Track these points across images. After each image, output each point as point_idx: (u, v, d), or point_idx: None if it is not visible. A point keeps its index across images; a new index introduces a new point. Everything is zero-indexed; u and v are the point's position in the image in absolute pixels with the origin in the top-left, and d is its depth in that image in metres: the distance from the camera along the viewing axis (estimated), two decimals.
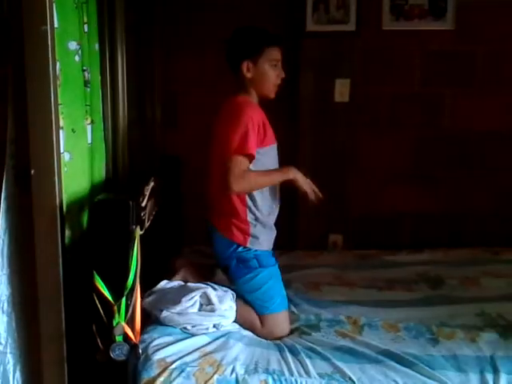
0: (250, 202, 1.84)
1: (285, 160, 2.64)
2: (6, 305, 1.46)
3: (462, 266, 2.29)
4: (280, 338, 1.73)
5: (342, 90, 2.57)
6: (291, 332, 1.77)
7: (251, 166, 1.79)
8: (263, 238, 1.87)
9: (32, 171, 1.44)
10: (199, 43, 2.57)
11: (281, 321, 1.78)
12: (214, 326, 1.68)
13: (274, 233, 1.96)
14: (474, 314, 1.84)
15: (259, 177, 1.81)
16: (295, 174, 1.84)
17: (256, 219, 1.85)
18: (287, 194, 2.67)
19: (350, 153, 2.65)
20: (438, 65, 2.63)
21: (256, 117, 1.78)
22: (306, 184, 1.85)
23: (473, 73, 2.64)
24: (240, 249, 1.84)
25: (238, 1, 2.57)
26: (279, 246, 2.48)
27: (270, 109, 2.55)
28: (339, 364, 1.55)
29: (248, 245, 1.84)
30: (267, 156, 1.85)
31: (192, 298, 1.70)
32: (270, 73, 1.85)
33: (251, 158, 1.77)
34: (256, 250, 1.84)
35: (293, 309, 1.89)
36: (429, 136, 2.69)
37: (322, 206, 2.65)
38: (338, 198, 2.67)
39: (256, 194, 1.84)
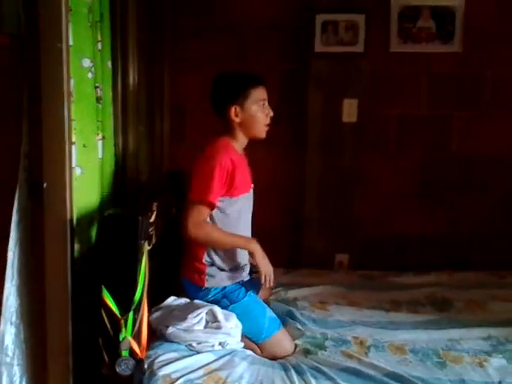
0: (208, 247, 1.82)
1: (292, 180, 2.68)
2: (14, 317, 1.46)
3: (469, 288, 2.27)
4: (285, 357, 1.72)
5: (349, 111, 2.60)
6: (296, 349, 1.76)
7: (214, 214, 1.78)
8: (222, 276, 1.83)
9: (44, 184, 1.46)
10: (208, 61, 2.61)
11: (278, 342, 1.76)
12: (220, 344, 1.67)
13: (242, 269, 1.90)
14: (481, 338, 1.82)
15: (220, 236, 1.77)
16: (256, 249, 1.79)
17: (212, 263, 1.83)
18: (292, 211, 2.70)
19: (357, 173, 2.66)
20: (445, 87, 2.66)
21: (226, 163, 1.76)
22: (264, 264, 1.79)
23: (480, 96, 2.66)
24: (205, 293, 1.81)
25: (246, 21, 2.61)
26: (284, 264, 2.50)
27: (277, 129, 2.58)
28: None
29: (206, 285, 1.81)
30: (233, 206, 1.82)
31: (198, 314, 1.69)
32: (259, 114, 1.84)
33: (212, 206, 1.76)
34: (223, 287, 1.82)
35: (298, 326, 1.88)
36: (436, 158, 2.71)
37: (329, 225, 2.68)
38: (344, 217, 2.68)
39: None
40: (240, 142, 1.89)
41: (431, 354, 1.71)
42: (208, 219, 1.80)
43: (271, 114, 1.87)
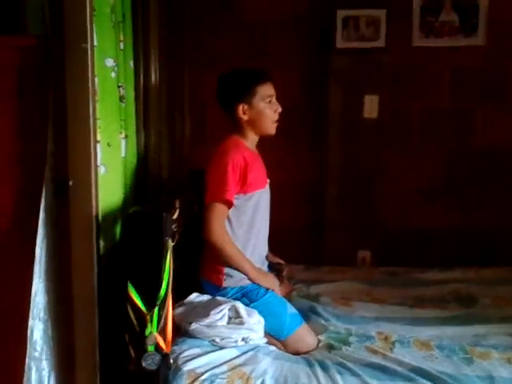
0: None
1: (313, 176, 2.67)
2: (42, 313, 1.49)
3: (495, 285, 2.23)
4: (308, 352, 1.72)
5: (371, 106, 2.58)
6: (319, 344, 1.76)
7: (230, 212, 1.78)
8: (240, 276, 1.81)
9: (70, 182, 1.48)
10: (228, 58, 2.62)
11: (301, 337, 1.76)
12: (243, 340, 1.68)
13: (260, 267, 1.90)
14: (508, 334, 1.79)
15: (235, 254, 1.77)
16: (268, 285, 1.82)
17: None
18: (313, 208, 2.69)
19: (379, 168, 2.65)
20: (468, 81, 2.62)
21: (238, 161, 1.76)
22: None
23: (504, 89, 2.62)
24: (224, 293, 1.80)
25: (267, 16, 2.61)
26: (305, 261, 2.49)
27: (298, 124, 2.56)
28: (370, 381, 1.52)
29: (224, 284, 1.81)
30: (248, 203, 1.82)
31: (221, 311, 1.70)
32: (267, 110, 1.83)
33: (229, 204, 1.76)
34: (241, 287, 1.81)
35: (321, 321, 1.87)
36: (459, 152, 2.67)
37: (351, 222, 2.66)
38: (366, 213, 2.67)
39: (234, 239, 1.80)
40: (250, 140, 1.89)
41: (458, 349, 1.68)
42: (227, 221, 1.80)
43: (279, 109, 1.86)
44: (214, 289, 1.83)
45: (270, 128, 1.87)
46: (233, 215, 1.81)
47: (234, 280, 1.82)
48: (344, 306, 2.04)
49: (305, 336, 1.77)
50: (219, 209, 1.75)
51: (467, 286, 2.21)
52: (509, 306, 2.05)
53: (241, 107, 1.82)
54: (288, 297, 2.03)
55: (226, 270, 1.82)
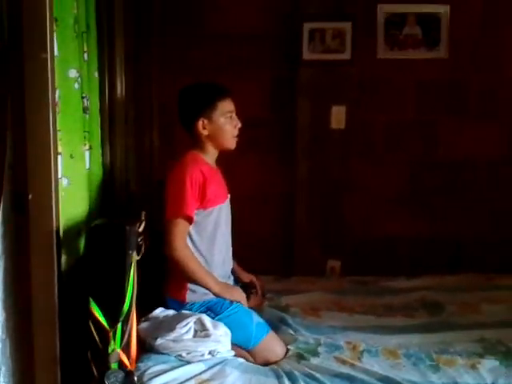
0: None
1: (282, 187, 2.68)
2: (0, 331, 1.44)
3: (460, 291, 2.27)
4: (278, 362, 1.71)
5: (338, 117, 2.61)
6: (288, 353, 1.74)
7: (191, 228, 1.78)
8: (203, 290, 1.79)
9: (30, 196, 1.44)
10: (197, 70, 2.61)
11: (269, 346, 1.75)
12: (210, 353, 1.65)
13: (225, 280, 1.89)
14: (473, 341, 1.81)
15: (198, 269, 1.76)
16: (233, 299, 1.81)
17: None
18: (283, 218, 2.70)
19: (346, 179, 2.67)
20: (432, 93, 2.68)
21: (197, 176, 1.76)
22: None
23: (467, 101, 2.69)
24: (187, 308, 1.78)
25: (234, 29, 2.62)
26: (275, 272, 2.49)
27: (266, 136, 2.57)
28: None
29: (187, 300, 1.79)
30: (208, 218, 1.81)
31: (187, 324, 1.67)
32: (227, 126, 1.83)
33: (190, 220, 1.76)
34: (205, 301, 1.79)
35: (290, 331, 1.87)
36: (424, 162, 2.72)
37: (320, 232, 2.68)
38: (334, 223, 2.69)
39: (196, 254, 1.79)
40: (210, 154, 1.88)
41: (424, 357, 1.70)
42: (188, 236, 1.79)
43: (239, 125, 1.86)
44: (178, 305, 1.81)
45: (230, 143, 1.87)
46: (194, 231, 1.80)
47: (197, 295, 1.80)
48: (313, 316, 2.04)
49: (273, 344, 1.76)
50: (180, 224, 1.74)
51: (434, 294, 2.24)
52: (474, 312, 2.08)
53: (201, 122, 1.82)
54: (260, 308, 2.02)
55: (189, 285, 1.80)
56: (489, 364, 1.65)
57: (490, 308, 2.10)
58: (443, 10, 2.61)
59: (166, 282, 1.87)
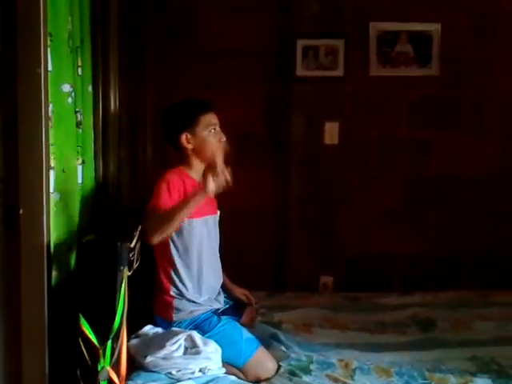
0: (174, 277, 1.79)
1: (276, 202, 2.68)
2: None
3: (453, 308, 2.27)
4: (269, 379, 1.69)
5: (331, 133, 2.63)
6: (279, 370, 1.73)
7: (175, 238, 1.77)
8: (190, 308, 1.79)
9: (21, 210, 1.43)
10: (191, 84, 2.63)
11: (259, 362, 1.73)
12: (200, 371, 1.63)
13: (212, 297, 1.86)
14: (465, 359, 1.81)
15: (168, 210, 1.68)
16: (208, 191, 1.65)
17: (180, 294, 1.79)
18: (276, 234, 2.69)
19: (339, 194, 2.68)
20: (423, 109, 2.71)
21: (176, 183, 1.76)
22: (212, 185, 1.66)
23: (458, 117, 2.72)
24: (176, 326, 1.76)
25: (229, 46, 2.65)
26: (268, 287, 2.48)
27: (260, 151, 2.57)
28: None
29: (174, 319, 1.78)
30: (194, 231, 1.79)
31: (177, 341, 1.66)
32: (210, 138, 1.83)
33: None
34: (192, 319, 1.78)
35: (282, 348, 1.86)
36: (416, 178, 2.74)
37: (313, 247, 2.67)
38: (328, 239, 2.68)
39: (181, 270, 1.79)
40: (196, 169, 1.87)
41: (416, 375, 1.69)
42: (171, 245, 1.78)
43: (223, 138, 1.86)
44: (166, 324, 1.79)
45: (216, 156, 1.82)
46: (180, 244, 1.79)
47: (183, 313, 1.78)
48: (305, 332, 2.03)
49: (263, 360, 1.75)
50: (154, 214, 1.71)
51: (426, 310, 2.25)
52: (467, 329, 2.09)
53: (184, 136, 1.83)
54: (253, 325, 2.01)
55: (175, 303, 1.78)
56: (481, 382, 1.65)
57: (483, 325, 2.10)
58: (434, 28, 2.65)
59: (154, 301, 1.85)
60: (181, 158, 1.87)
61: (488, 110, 2.72)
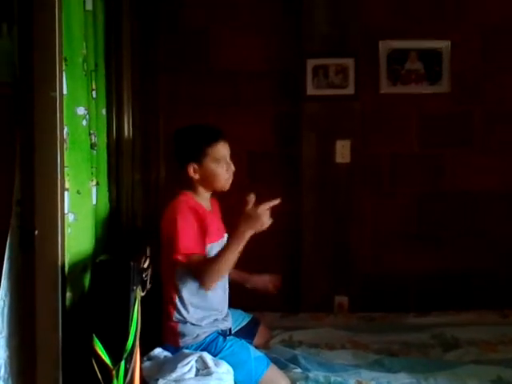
0: (177, 301, 1.78)
1: (288, 222, 2.66)
2: (3, 370, 1.41)
3: (475, 329, 2.21)
4: None
5: (343, 152, 2.62)
6: None
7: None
8: (195, 332, 1.77)
9: (36, 232, 1.44)
10: (203, 105, 2.65)
11: (271, 381, 1.71)
12: None
13: (217, 318, 1.84)
14: (489, 380, 1.77)
15: (213, 260, 1.70)
16: (248, 231, 1.67)
17: (184, 320, 1.77)
18: (289, 254, 2.67)
19: (353, 213, 2.66)
20: (435, 126, 2.70)
21: (188, 215, 1.74)
22: (263, 222, 1.71)
23: (470, 133, 2.71)
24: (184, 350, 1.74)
25: (240, 67, 2.68)
26: (282, 308, 2.45)
27: (272, 171, 2.57)
28: None
29: (181, 344, 1.75)
30: (210, 254, 1.78)
31: (188, 363, 1.64)
32: (218, 170, 1.79)
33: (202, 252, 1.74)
34: (199, 344, 1.76)
35: (299, 369, 1.82)
36: (430, 196, 2.71)
37: (327, 268, 2.64)
38: (342, 259, 2.65)
39: (185, 294, 1.77)
40: (202, 196, 1.86)
41: None
42: (179, 270, 1.76)
43: (233, 168, 1.83)
44: (174, 350, 1.77)
45: (222, 186, 1.84)
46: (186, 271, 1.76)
47: (189, 338, 1.77)
48: (324, 353, 2.00)
49: (275, 378, 1.72)
50: (195, 259, 1.71)
51: (450, 330, 2.19)
52: (490, 350, 2.03)
53: (191, 167, 1.80)
54: (267, 345, 1.98)
55: (180, 328, 1.77)
56: None
57: (507, 346, 2.05)
58: (444, 45, 2.66)
59: (163, 329, 1.83)
60: (187, 184, 1.85)
61: (500, 126, 2.70)
